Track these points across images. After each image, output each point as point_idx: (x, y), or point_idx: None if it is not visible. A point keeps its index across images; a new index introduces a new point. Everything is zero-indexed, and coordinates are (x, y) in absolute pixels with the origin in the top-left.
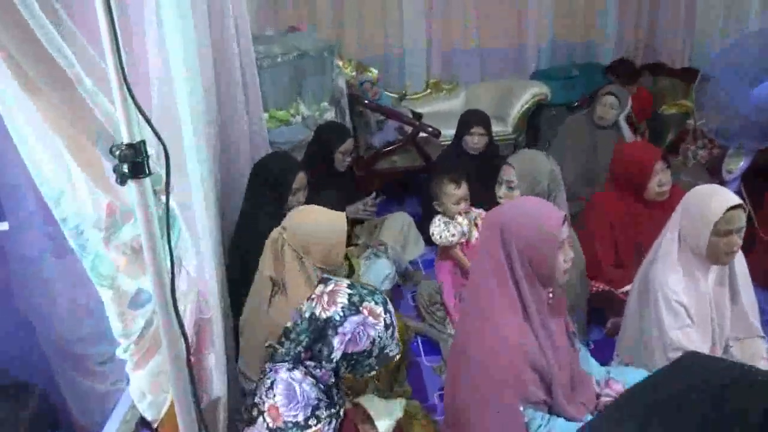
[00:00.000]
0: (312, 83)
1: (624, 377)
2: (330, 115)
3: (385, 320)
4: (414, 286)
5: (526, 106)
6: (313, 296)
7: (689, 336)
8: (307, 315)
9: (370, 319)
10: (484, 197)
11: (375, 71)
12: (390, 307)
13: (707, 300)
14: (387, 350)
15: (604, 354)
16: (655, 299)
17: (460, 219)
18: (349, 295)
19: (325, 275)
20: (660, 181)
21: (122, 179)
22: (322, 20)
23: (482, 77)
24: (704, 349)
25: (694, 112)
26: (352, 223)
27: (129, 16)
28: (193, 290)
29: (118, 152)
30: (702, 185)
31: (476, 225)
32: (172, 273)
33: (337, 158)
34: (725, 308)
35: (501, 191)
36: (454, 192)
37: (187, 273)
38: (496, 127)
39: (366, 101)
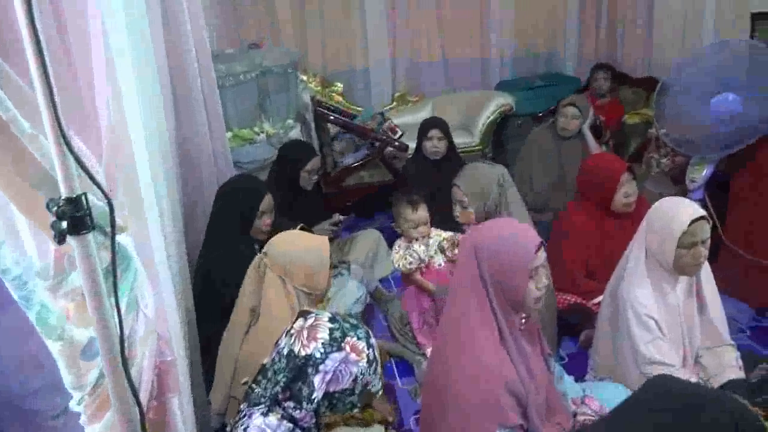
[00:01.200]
0: (276, 100)
1: (601, 393)
2: (295, 133)
3: (368, 356)
4: (386, 305)
5: (492, 117)
6: (292, 331)
7: (661, 348)
8: (285, 352)
9: (353, 355)
10: (448, 207)
11: (340, 85)
12: (373, 340)
13: (677, 312)
14: (370, 386)
15: (578, 367)
16: (625, 314)
17: (416, 246)
18: (331, 330)
19: (305, 308)
20: (626, 192)
21: (60, 238)
22: (285, 36)
23: (448, 89)
24: (676, 360)
25: (654, 122)
26: None
27: (71, 43)
28: (151, 334)
29: (55, 208)
30: (665, 198)
31: (442, 249)
32: (122, 335)
33: (303, 177)
34: (694, 319)
35: (456, 211)
36: (411, 216)
37: (145, 315)
38: (463, 139)
39: (332, 117)
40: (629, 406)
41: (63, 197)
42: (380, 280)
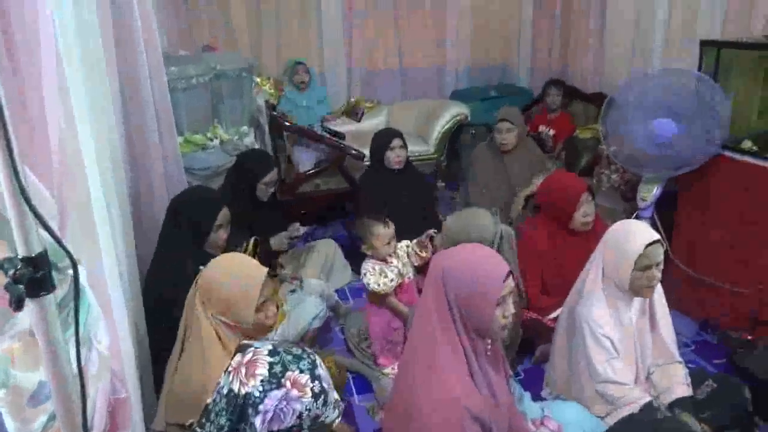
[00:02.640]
0: (230, 105)
1: (560, 413)
2: (250, 140)
3: (313, 390)
4: (343, 319)
5: (447, 125)
6: (230, 368)
7: (615, 367)
8: (224, 391)
9: (294, 392)
10: (411, 218)
11: None
12: (320, 371)
13: (631, 331)
14: (321, 419)
15: (533, 383)
16: (581, 333)
17: (394, 261)
18: (270, 365)
19: (244, 342)
20: (585, 212)
21: (18, 303)
22: (239, 39)
23: (403, 97)
24: (629, 378)
25: (602, 138)
26: (277, 253)
27: (18, 48)
28: (104, 371)
29: (12, 270)
30: (622, 221)
31: (412, 256)
32: (84, 404)
33: (260, 189)
34: (646, 337)
35: (415, 246)
36: (383, 231)
37: (98, 352)
38: (418, 147)
39: (287, 123)
40: None
41: (20, 257)
42: (336, 291)
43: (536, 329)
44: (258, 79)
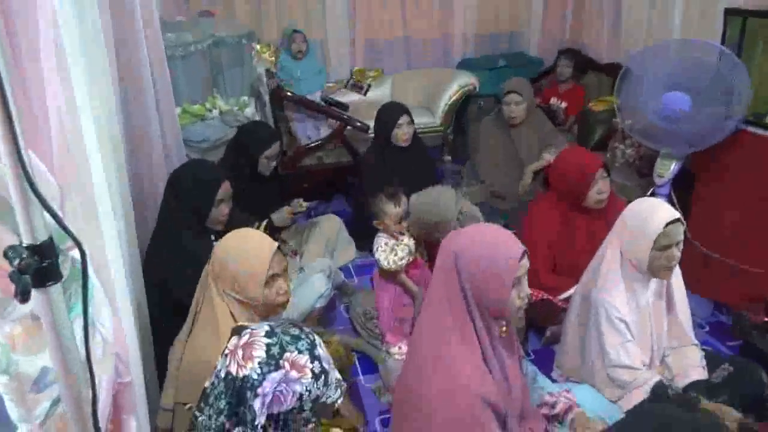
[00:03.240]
0: (229, 74)
1: (578, 393)
2: (250, 111)
3: (312, 370)
4: (348, 298)
5: (455, 97)
6: (227, 351)
7: (628, 351)
8: (222, 375)
9: (293, 373)
10: (416, 190)
11: None
12: (319, 351)
13: (647, 314)
14: (323, 399)
15: (543, 364)
16: (597, 315)
17: (405, 239)
18: (268, 346)
19: (240, 324)
20: (599, 189)
21: (24, 294)
22: (239, 5)
23: (407, 67)
24: (643, 361)
25: (617, 111)
26: (279, 229)
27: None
28: (109, 357)
29: (17, 260)
30: (640, 199)
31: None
32: (93, 390)
33: (262, 163)
34: (662, 320)
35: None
36: (395, 210)
37: (102, 336)
38: (424, 119)
39: (288, 93)
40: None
41: (25, 244)
42: (340, 269)
43: (546, 309)
44: (258, 47)
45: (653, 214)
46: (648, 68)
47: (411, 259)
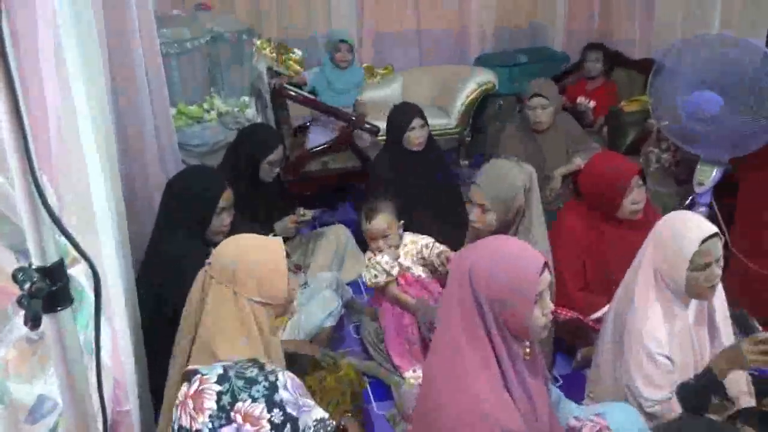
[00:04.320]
0: (228, 72)
1: (608, 415)
2: (251, 112)
3: (271, 421)
4: (358, 316)
5: (472, 96)
6: (178, 401)
7: (670, 382)
8: (176, 427)
9: (247, 427)
10: (431, 207)
11: (299, 52)
12: (280, 395)
13: (688, 335)
14: None
15: (574, 390)
16: (636, 348)
17: (378, 258)
18: (218, 395)
19: (191, 367)
20: (635, 199)
21: (35, 320)
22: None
23: (420, 63)
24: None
25: (651, 111)
26: (282, 240)
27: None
28: (107, 382)
29: (28, 284)
30: (673, 213)
31: (426, 262)
32: (105, 425)
33: (264, 169)
34: (705, 349)
35: (473, 214)
36: (366, 226)
37: (101, 361)
38: (438, 120)
39: (292, 92)
40: None
41: (35, 266)
42: (348, 284)
43: (577, 330)
44: (258, 42)
45: (687, 230)
46: (681, 63)
47: (389, 279)
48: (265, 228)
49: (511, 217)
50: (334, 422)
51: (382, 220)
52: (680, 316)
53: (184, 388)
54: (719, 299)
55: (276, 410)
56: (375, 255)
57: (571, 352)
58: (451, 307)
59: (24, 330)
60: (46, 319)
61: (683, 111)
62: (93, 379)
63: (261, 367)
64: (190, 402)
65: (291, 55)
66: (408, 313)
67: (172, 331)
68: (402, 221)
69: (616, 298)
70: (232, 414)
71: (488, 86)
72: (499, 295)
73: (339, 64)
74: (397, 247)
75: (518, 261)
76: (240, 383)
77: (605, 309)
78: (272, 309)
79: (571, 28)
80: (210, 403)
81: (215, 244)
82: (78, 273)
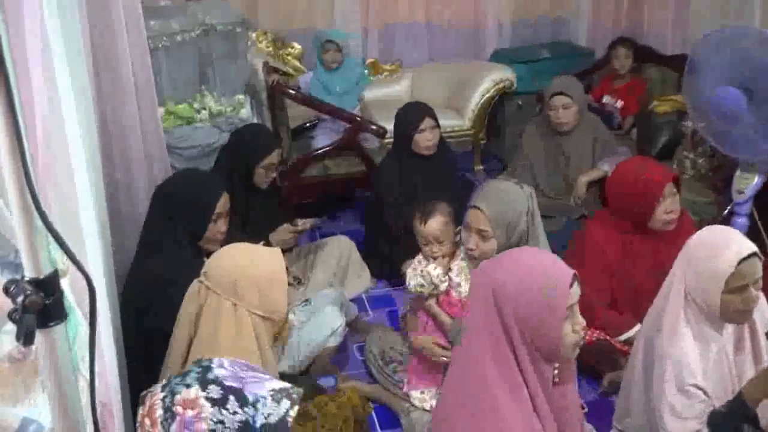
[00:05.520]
0: (222, 68)
1: None
2: (246, 112)
3: (209, 398)
4: (363, 336)
5: (488, 95)
6: (138, 425)
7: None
8: None
9: (189, 413)
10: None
11: (298, 47)
12: (214, 373)
13: (724, 361)
14: (259, 422)
15: (599, 419)
16: (666, 376)
17: (431, 267)
18: (162, 400)
19: (145, 391)
20: (667, 208)
21: (27, 337)
22: None
23: (431, 59)
24: None
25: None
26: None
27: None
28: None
29: (21, 297)
30: (707, 229)
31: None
32: None
33: (259, 174)
34: (746, 369)
35: (471, 241)
36: (419, 228)
37: (87, 381)
38: (450, 121)
39: (291, 90)
40: None
41: (27, 278)
42: (351, 300)
43: (603, 352)
44: (253, 35)
45: (722, 249)
46: (712, 58)
47: (434, 292)
48: (259, 239)
49: (514, 243)
50: (300, 390)
51: (438, 224)
52: (715, 340)
53: (140, 409)
54: (761, 317)
55: (212, 386)
56: (427, 261)
57: (596, 377)
58: (475, 328)
59: (9, 345)
60: (38, 335)
61: (711, 108)
62: (84, 400)
63: (198, 361)
64: (146, 420)
65: (289, 49)
66: (441, 333)
67: (156, 351)
68: (459, 227)
69: (646, 320)
70: (174, 409)
71: (505, 84)
72: (526, 311)
73: (329, 66)
74: (452, 257)
75: (546, 273)
76: (177, 379)
77: (635, 330)
78: (270, 325)
79: (596, 20)
80: (159, 412)
81: (208, 254)
82: (63, 285)
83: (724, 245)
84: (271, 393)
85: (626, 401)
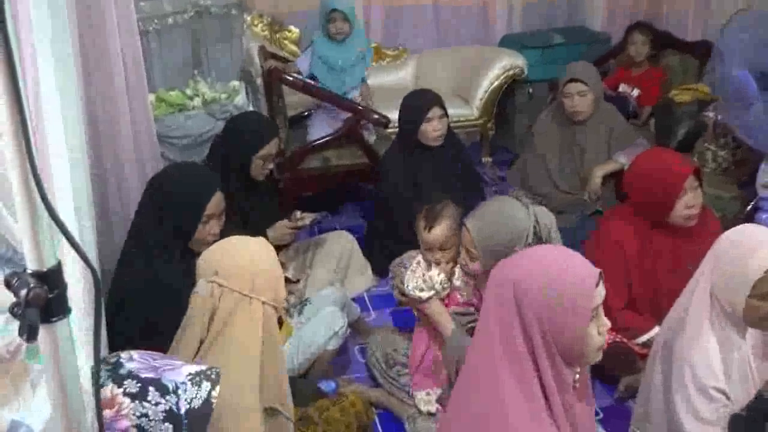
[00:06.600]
0: (216, 52)
1: None
2: (241, 99)
3: (127, 392)
4: (365, 338)
5: (497, 82)
6: None
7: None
8: None
9: (107, 412)
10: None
11: (296, 30)
12: (126, 367)
13: (746, 366)
14: (183, 409)
15: (615, 425)
16: (686, 380)
17: (434, 273)
18: None
19: None
20: (688, 202)
21: (31, 333)
22: None
23: (436, 44)
24: None
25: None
26: (277, 248)
27: None
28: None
29: (24, 290)
30: (738, 228)
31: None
32: None
33: (256, 165)
34: None
35: (461, 256)
36: (424, 236)
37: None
38: (457, 110)
39: (288, 76)
40: None
41: (30, 271)
42: (352, 300)
43: (620, 356)
44: (248, 18)
45: (752, 251)
46: (734, 43)
47: (434, 296)
48: (256, 234)
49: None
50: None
51: (443, 231)
52: (738, 345)
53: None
54: None
55: (127, 381)
56: (428, 266)
57: (611, 380)
58: (491, 329)
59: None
60: (41, 330)
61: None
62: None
63: (104, 359)
64: None
65: (286, 33)
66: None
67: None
68: None
69: (667, 321)
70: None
71: (516, 71)
72: (549, 313)
73: (334, 37)
74: (456, 262)
75: (570, 272)
76: (105, 375)
77: (654, 332)
78: (274, 313)
79: (612, 4)
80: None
81: (199, 254)
82: None
83: (755, 247)
84: (190, 377)
85: (645, 406)
